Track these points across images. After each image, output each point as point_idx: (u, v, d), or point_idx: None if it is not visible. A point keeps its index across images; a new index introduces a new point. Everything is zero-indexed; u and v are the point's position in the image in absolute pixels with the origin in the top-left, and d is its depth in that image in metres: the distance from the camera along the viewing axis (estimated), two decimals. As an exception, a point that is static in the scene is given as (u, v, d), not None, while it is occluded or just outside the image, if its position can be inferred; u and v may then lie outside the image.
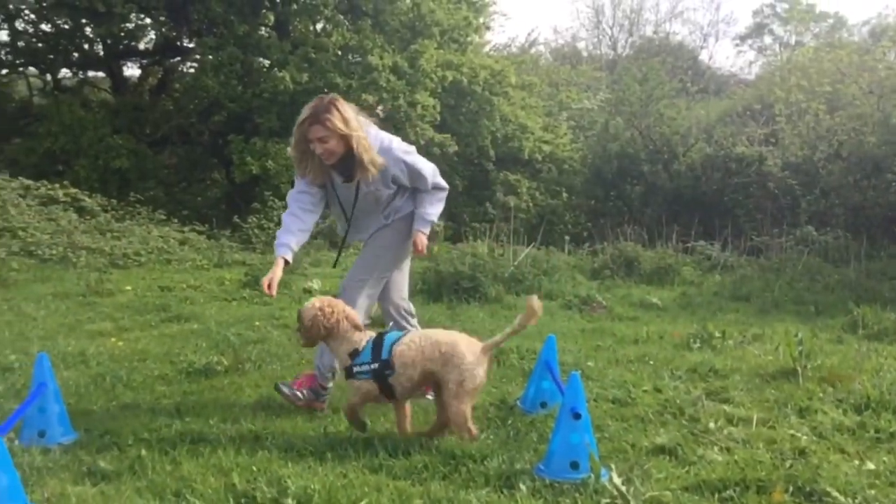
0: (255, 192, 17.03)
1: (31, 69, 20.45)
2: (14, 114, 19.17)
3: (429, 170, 4.34)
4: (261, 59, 17.53)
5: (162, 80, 21.09)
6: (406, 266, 4.63)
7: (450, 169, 18.13)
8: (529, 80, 21.08)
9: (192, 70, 20.01)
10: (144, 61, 21.45)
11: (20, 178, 12.56)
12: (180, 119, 17.84)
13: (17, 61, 19.71)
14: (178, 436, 3.66)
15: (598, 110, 21.34)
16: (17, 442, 3.51)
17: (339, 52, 17.23)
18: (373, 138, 4.16)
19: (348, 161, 4.10)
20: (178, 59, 21.22)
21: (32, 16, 18.83)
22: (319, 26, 18.37)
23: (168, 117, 18.18)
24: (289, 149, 4.30)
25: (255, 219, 14.16)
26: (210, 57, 16.56)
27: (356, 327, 3.75)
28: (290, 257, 4.11)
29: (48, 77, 20.59)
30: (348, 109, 4.09)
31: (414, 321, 4.61)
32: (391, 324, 4.52)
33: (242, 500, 2.92)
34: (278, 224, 14.13)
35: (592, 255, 11.81)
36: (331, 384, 4.35)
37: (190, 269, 10.46)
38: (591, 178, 18.12)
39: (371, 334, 3.79)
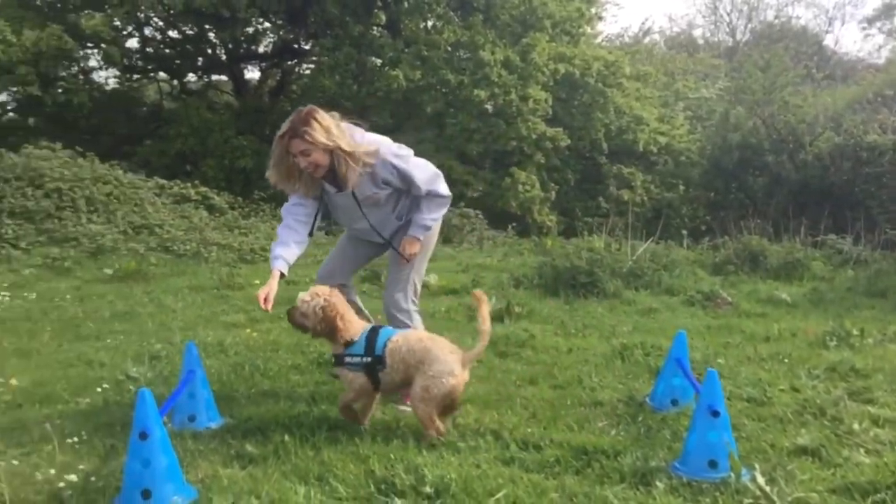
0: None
1: (161, 74, 21.64)
2: (145, 117, 20.36)
3: (424, 175, 4.13)
4: (373, 59, 17.90)
5: (280, 81, 21.87)
6: (405, 264, 4.37)
7: (561, 163, 18.00)
8: (644, 70, 20.63)
9: (308, 71, 20.67)
10: (264, 64, 22.32)
11: (155, 178, 13.33)
12: (299, 119, 18.40)
13: (148, 67, 20.90)
14: (316, 423, 3.79)
15: (717, 99, 20.66)
16: (169, 426, 3.73)
17: (450, 49, 17.38)
18: (359, 142, 4.00)
19: (335, 171, 3.96)
20: (295, 61, 21.96)
21: (161, 23, 19.89)
22: (430, 23, 18.59)
23: (287, 117, 18.80)
24: (267, 172, 4.10)
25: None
26: (326, 58, 17.04)
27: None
28: (285, 270, 3.98)
29: (175, 82, 21.75)
30: (328, 119, 3.91)
31: (409, 318, 4.35)
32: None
33: (382, 486, 3.00)
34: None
35: (713, 249, 11.44)
36: None
37: (312, 264, 10.79)
38: (709, 170, 17.56)
39: (365, 325, 3.79)
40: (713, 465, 3.17)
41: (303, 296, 3.73)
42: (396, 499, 2.89)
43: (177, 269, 9.76)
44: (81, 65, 18.61)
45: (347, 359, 3.68)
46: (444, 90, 17.38)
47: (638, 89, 19.75)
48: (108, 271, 9.15)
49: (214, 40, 20.45)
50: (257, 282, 8.97)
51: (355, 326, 3.75)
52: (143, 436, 2.89)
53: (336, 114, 4.04)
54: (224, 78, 22.77)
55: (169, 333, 6.14)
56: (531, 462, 3.33)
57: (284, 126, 3.92)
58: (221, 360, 5.26)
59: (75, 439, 3.63)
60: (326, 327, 3.67)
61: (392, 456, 3.30)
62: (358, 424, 3.75)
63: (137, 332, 6.20)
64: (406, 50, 16.99)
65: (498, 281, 8.81)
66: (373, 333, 3.72)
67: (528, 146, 16.98)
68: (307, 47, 20.60)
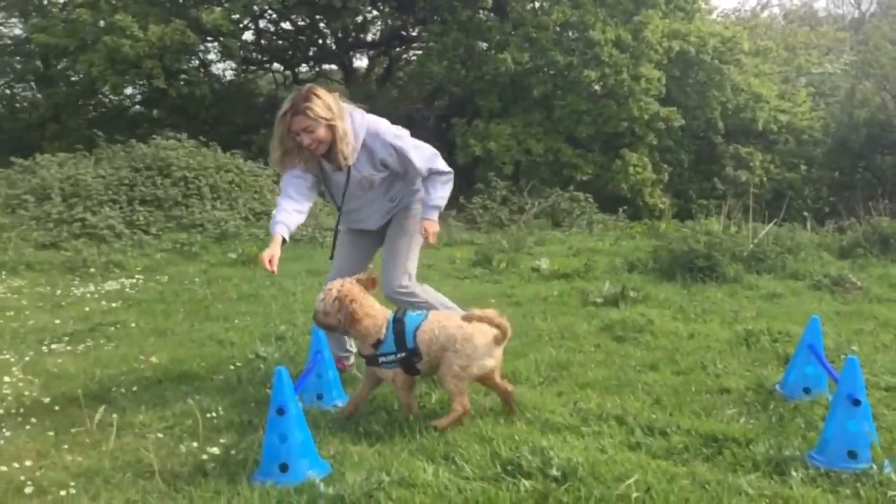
0: (475, 173, 17.47)
1: (276, 65, 22.37)
2: (261, 107, 21.10)
3: (422, 156, 4.12)
4: (481, 43, 17.88)
5: (388, 68, 22.21)
6: (398, 245, 4.37)
7: (674, 144, 17.49)
8: (763, 45, 19.74)
9: (415, 58, 20.89)
10: (372, 52, 22.71)
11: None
12: (407, 105, 18.66)
13: (263, 58, 21.65)
14: (437, 404, 3.85)
15: (842, 75, 19.54)
16: (301, 404, 3.88)
17: (559, 29, 17.14)
18: (359, 122, 4.02)
19: (334, 149, 3.98)
20: (403, 47, 22.22)
21: (275, 15, 20.53)
22: (538, 4, 18.38)
23: (395, 104, 19.11)
24: (270, 158, 4.16)
25: (479, 199, 14.52)
26: (434, 43, 17.14)
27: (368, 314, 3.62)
28: (286, 235, 3.97)
29: (288, 72, 22.44)
30: (328, 96, 3.93)
31: (412, 296, 4.28)
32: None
33: (508, 468, 3.02)
34: (502, 203, 14.40)
35: (839, 231, 10.87)
36: (352, 359, 4.51)
37: (422, 248, 10.94)
38: (834, 149, 16.68)
39: (387, 317, 3.65)
40: (852, 455, 3.03)
41: (319, 296, 3.69)
42: (523, 480, 2.90)
43: (294, 254, 10.09)
44: (202, 58, 19.49)
45: (381, 359, 3.60)
46: (551, 72, 17.17)
47: (756, 65, 18.92)
48: (232, 255, 9.57)
49: (325, 30, 20.97)
50: (371, 266, 9.18)
51: (377, 311, 3.63)
52: (281, 411, 3.02)
53: (337, 92, 4.06)
54: (334, 67, 23.34)
55: (291, 315, 6.37)
56: (658, 448, 3.28)
57: (285, 105, 3.95)
58: (343, 341, 5.41)
59: (213, 414, 3.83)
60: (347, 318, 3.57)
61: (517, 438, 3.31)
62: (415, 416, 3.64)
63: (262, 314, 6.47)
64: (514, 32, 16.87)
65: (611, 265, 8.67)
66: (398, 325, 3.60)
67: (640, 127, 16.56)
68: (415, 33, 20.81)
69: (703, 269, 7.71)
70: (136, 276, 8.38)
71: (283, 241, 3.95)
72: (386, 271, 4.27)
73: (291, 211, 4.02)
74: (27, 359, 5.01)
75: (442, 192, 4.21)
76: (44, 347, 5.31)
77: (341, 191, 4.18)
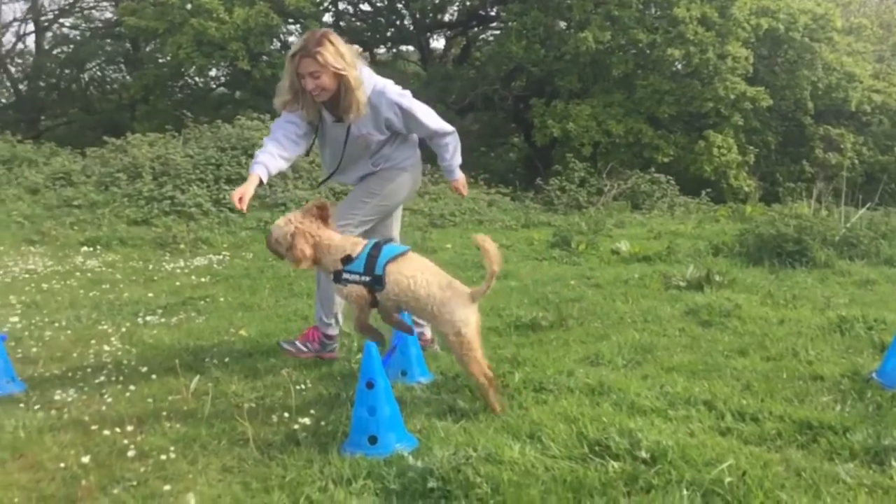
0: (552, 154, 17.30)
1: (354, 47, 22.54)
2: (340, 89, 21.32)
3: (428, 114, 4.14)
4: (560, 22, 17.62)
5: (464, 49, 22.12)
6: (394, 217, 4.47)
7: (761, 125, 16.92)
8: (857, 22, 18.85)
9: (492, 38, 20.75)
10: (449, 32, 22.66)
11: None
12: (484, 86, 18.57)
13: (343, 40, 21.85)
14: (521, 383, 3.85)
15: (943, 52, 18.48)
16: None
17: (642, 7, 16.72)
18: (366, 79, 3.94)
19: (339, 99, 3.91)
20: (480, 27, 22.10)
21: (354, -3, 20.69)
22: (620, -18, 17.97)
23: (473, 84, 19.04)
24: (274, 99, 4.10)
25: (556, 181, 14.38)
26: (513, 22, 16.97)
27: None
28: (264, 176, 3.89)
29: (366, 54, 22.59)
30: (342, 45, 3.85)
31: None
32: None
33: (596, 448, 3.00)
34: (580, 185, 14.23)
35: (938, 217, 10.35)
36: (335, 331, 4.31)
37: (500, 230, 10.94)
38: (932, 131, 15.83)
39: (366, 242, 3.57)
40: (958, 448, 2.90)
41: (277, 222, 3.64)
42: (612, 461, 2.88)
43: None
44: (282, 40, 19.81)
45: (346, 275, 3.50)
46: (633, 51, 16.80)
47: (849, 44, 18.08)
48: (313, 234, 9.75)
49: (403, 11, 21.03)
50: (448, 246, 9.23)
51: (338, 242, 3.56)
52: (370, 385, 3.08)
53: (356, 47, 4.03)
54: (411, 48, 23.39)
55: (373, 293, 6.46)
56: (749, 434, 3.20)
57: (297, 45, 3.91)
58: (424, 319, 5.46)
59: (302, 386, 3.93)
60: (293, 255, 3.54)
61: (604, 419, 3.29)
62: (380, 342, 3.51)
63: (344, 291, 6.58)
64: (595, 10, 16.55)
65: (695, 248, 8.50)
66: (374, 251, 3.50)
67: (725, 107, 16.05)
68: (493, 13, 20.65)
69: (792, 253, 7.49)
70: (223, 253, 8.64)
71: (260, 182, 3.90)
72: (337, 210, 4.17)
73: (275, 154, 3.96)
74: (124, 329, 5.24)
75: (457, 154, 4.30)
76: (139, 319, 5.54)
77: (338, 147, 4.17)
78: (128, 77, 23.87)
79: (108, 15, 25.80)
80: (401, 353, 4.05)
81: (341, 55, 3.81)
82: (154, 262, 8.02)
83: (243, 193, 3.78)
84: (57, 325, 5.35)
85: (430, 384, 3.97)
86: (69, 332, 5.19)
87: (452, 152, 4.25)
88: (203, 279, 7.13)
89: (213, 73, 21.22)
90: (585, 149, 15.80)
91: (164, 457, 3.10)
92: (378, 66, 21.03)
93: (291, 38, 20.50)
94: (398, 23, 21.55)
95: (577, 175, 14.51)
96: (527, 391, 3.75)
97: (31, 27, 25.95)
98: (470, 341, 3.42)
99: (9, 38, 26.01)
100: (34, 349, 4.76)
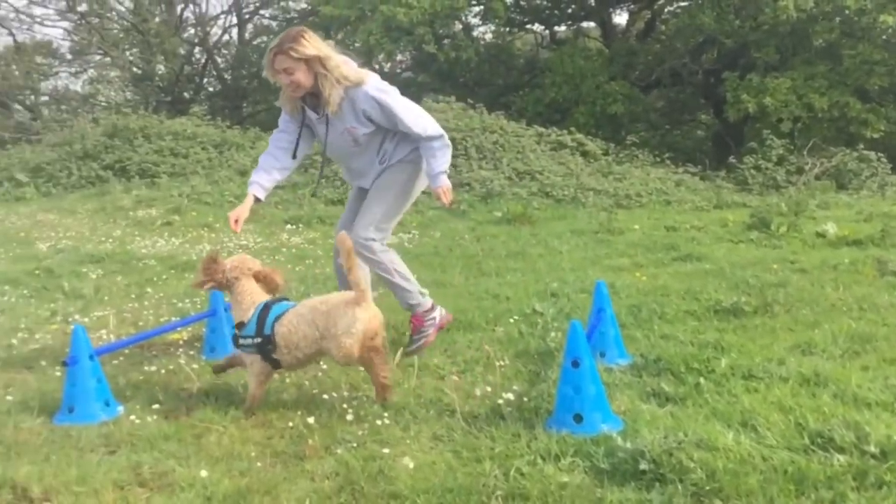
0: (745, 131, 16.37)
1: (537, 26, 22.47)
2: (521, 68, 21.34)
3: (411, 115, 4.06)
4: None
5: (649, 23, 21.37)
6: (376, 198, 4.27)
7: None
8: None
9: (679, 10, 19.87)
10: (632, 7, 21.96)
11: (534, 126, 13.98)
12: (672, 61, 17.88)
13: (524, 19, 21.83)
14: (728, 370, 3.71)
15: None
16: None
17: (851, -30, 15.34)
18: (350, 73, 3.96)
19: (317, 95, 3.97)
20: (664, 0, 21.25)
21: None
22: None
23: (658, 59, 18.39)
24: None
25: (750, 159, 13.59)
26: (706, -7, 16.18)
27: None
28: (261, 195, 4.09)
29: (546, 32, 22.44)
30: (317, 41, 3.90)
31: (369, 253, 4.18)
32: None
33: (818, 440, 2.84)
34: (777, 164, 13.41)
35: None
36: (427, 301, 4.36)
37: (690, 210, 10.54)
38: None
39: (260, 303, 3.51)
40: None
41: (230, 260, 3.66)
42: (837, 454, 2.71)
43: (557, 213, 10.19)
44: (464, 21, 20.08)
45: (241, 341, 3.48)
46: (839, 19, 15.50)
47: None
48: (498, 214, 9.88)
49: (584, -14, 20.64)
50: (636, 227, 9.02)
51: (249, 300, 3.53)
52: (576, 364, 3.08)
53: (332, 42, 4.03)
54: (592, 24, 22.93)
55: (561, 273, 6.45)
56: None
57: (274, 42, 3.97)
58: (615, 301, 5.34)
59: (500, 363, 4.00)
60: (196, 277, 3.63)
61: (825, 411, 3.10)
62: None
63: (531, 271, 6.62)
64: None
65: (914, 231, 7.75)
66: (264, 311, 3.47)
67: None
68: (680, -15, 19.80)
69: None
70: (412, 232, 8.95)
71: (257, 199, 4.12)
72: (356, 221, 4.24)
73: (271, 170, 4.17)
74: (330, 302, 5.56)
75: (442, 160, 4.13)
76: (342, 293, 5.85)
77: (330, 143, 4.22)
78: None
79: (304, 5, 27.30)
80: (599, 333, 4.02)
81: (315, 48, 3.91)
82: (350, 240, 8.45)
83: (238, 215, 4.03)
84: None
85: (629, 366, 3.92)
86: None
87: (439, 157, 4.14)
88: (396, 256, 7.42)
89: (398, 57, 21.92)
90: (784, 124, 14.81)
91: (378, 422, 3.28)
92: (558, 45, 20.88)
93: (472, 20, 20.76)
94: (579, -1, 21.18)
95: (774, 153, 13.62)
96: (735, 378, 3.61)
97: (234, 20, 28.01)
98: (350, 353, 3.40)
99: (215, 30, 28.25)
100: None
